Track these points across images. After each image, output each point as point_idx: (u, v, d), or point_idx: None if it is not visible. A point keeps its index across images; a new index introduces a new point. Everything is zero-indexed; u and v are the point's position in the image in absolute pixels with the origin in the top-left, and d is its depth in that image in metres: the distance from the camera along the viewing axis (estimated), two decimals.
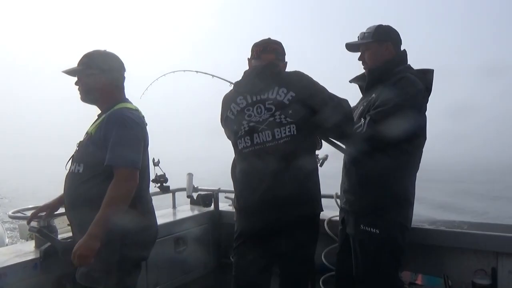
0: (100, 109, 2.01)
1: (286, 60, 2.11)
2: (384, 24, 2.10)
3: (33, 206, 2.29)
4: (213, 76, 2.39)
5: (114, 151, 1.76)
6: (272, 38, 2.08)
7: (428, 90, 2.03)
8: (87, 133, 1.94)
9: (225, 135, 2.13)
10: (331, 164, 3.07)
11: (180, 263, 2.82)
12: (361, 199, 2.07)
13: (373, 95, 2.02)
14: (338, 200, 2.60)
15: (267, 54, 2.02)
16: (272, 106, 1.90)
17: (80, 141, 1.97)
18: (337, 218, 2.60)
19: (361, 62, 2.18)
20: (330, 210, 2.77)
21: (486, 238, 2.04)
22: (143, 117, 1.99)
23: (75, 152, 1.98)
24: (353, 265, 2.11)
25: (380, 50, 2.06)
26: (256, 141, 1.91)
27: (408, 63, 2.09)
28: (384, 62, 2.06)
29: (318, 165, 3.02)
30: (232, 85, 2.12)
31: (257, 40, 2.09)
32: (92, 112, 2.02)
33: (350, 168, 2.14)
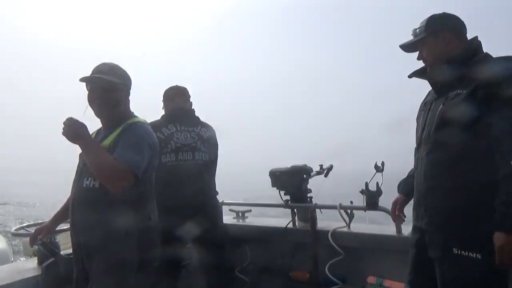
0: (109, 123, 1.95)
1: (191, 101, 2.81)
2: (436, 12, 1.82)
3: (35, 222, 2.29)
4: None
5: (121, 150, 1.77)
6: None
7: None
8: (102, 146, 1.85)
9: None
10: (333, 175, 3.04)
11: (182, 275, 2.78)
12: (452, 214, 1.60)
13: (458, 90, 1.66)
14: (342, 211, 2.58)
15: (180, 96, 2.73)
16: (195, 136, 2.63)
17: None
18: (342, 229, 2.58)
19: (421, 61, 1.87)
20: (333, 221, 2.74)
21: None
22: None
23: (82, 166, 1.89)
24: None
25: (438, 43, 1.78)
26: (180, 158, 2.55)
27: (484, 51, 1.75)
28: (449, 55, 1.74)
29: (323, 175, 3.01)
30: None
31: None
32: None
33: (433, 179, 1.69)
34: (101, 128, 2.01)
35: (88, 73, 1.93)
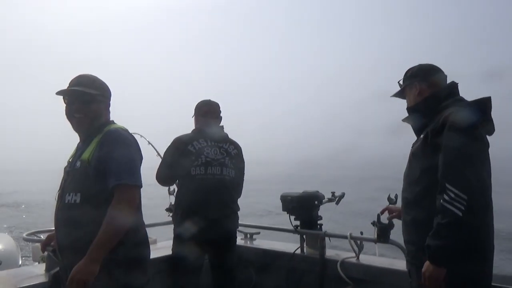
0: (87, 136, 1.86)
1: (221, 116, 2.91)
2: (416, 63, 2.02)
3: (47, 229, 2.31)
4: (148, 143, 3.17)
5: (119, 170, 1.71)
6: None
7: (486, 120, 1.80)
8: (81, 160, 1.79)
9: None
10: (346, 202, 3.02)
11: None
12: (418, 249, 1.75)
13: (421, 135, 1.88)
14: (352, 241, 2.55)
15: (211, 112, 2.82)
16: (224, 152, 2.72)
17: (70, 169, 1.83)
18: (351, 259, 2.54)
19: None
20: (343, 251, 2.70)
21: None
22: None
23: (64, 181, 1.84)
24: None
25: (412, 92, 1.98)
26: (209, 172, 2.62)
27: (459, 95, 1.91)
28: (419, 102, 1.94)
29: (334, 203, 2.99)
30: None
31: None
32: None
33: (406, 214, 1.88)
34: (79, 142, 1.93)
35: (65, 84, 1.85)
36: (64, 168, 1.92)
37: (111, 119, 1.95)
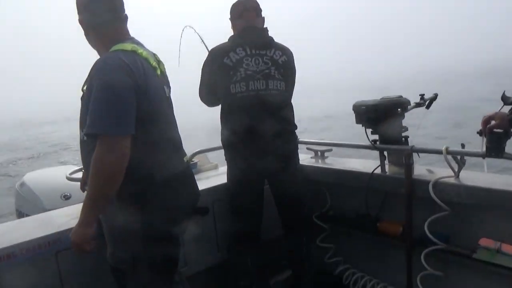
0: (99, 55, 1.60)
1: (263, 16, 2.33)
2: None
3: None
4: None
5: (92, 115, 1.40)
6: None
7: None
8: (82, 90, 1.56)
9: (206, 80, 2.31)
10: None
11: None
12: None
13: None
14: (450, 157, 1.99)
15: (249, 12, 2.26)
16: (269, 61, 2.21)
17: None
18: (448, 179, 2.01)
19: None
20: (436, 167, 2.18)
21: None
22: (145, 59, 1.55)
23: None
24: None
25: None
26: (251, 88, 2.16)
27: None
28: None
29: (425, 107, 2.39)
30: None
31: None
32: None
33: None
34: None
35: None
36: None
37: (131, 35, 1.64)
